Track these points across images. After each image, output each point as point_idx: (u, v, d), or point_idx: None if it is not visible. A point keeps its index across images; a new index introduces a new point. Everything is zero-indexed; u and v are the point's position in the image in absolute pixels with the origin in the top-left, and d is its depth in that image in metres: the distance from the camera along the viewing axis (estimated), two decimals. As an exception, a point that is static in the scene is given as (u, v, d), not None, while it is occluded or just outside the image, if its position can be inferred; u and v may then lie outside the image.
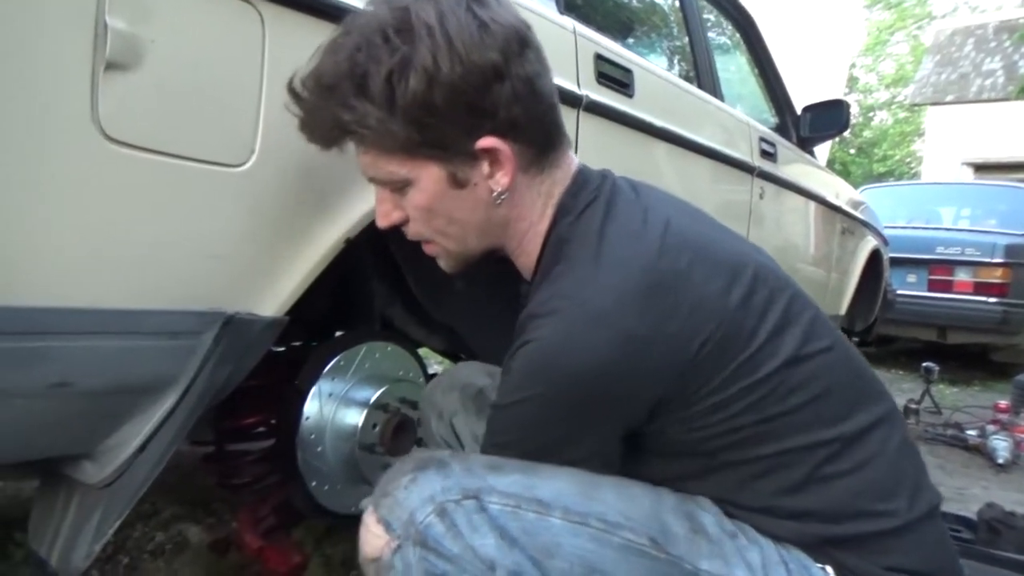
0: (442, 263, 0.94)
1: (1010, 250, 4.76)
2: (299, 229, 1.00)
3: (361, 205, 1.06)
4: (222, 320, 0.90)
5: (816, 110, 2.72)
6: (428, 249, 0.92)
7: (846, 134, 19.24)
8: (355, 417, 1.27)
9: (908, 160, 18.18)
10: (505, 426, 0.81)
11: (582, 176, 0.89)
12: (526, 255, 0.90)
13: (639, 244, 0.80)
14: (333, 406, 1.26)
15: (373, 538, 0.74)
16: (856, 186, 4.95)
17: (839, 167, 18.95)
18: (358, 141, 0.83)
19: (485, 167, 0.83)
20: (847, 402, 0.83)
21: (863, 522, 0.79)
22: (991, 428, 3.21)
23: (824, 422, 0.81)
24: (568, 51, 1.46)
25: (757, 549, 0.78)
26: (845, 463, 0.80)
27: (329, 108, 0.80)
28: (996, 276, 4.67)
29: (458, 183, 0.83)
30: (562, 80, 1.43)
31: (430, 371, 1.54)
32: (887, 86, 20.75)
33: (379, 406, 1.29)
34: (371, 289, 1.44)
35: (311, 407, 1.24)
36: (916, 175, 11.91)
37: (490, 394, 1.13)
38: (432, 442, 1.21)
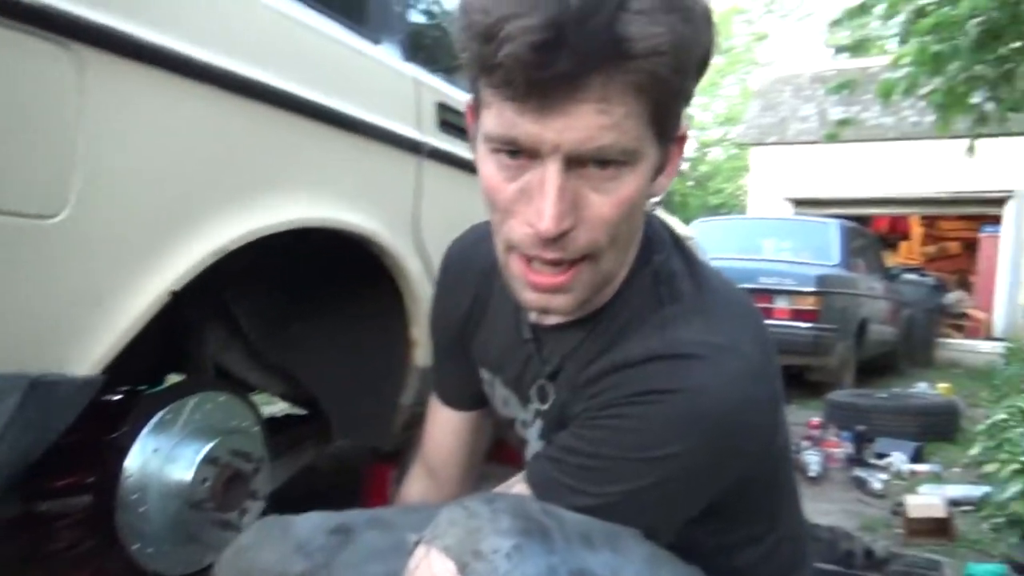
0: (569, 300, 0.70)
1: (820, 280, 5.27)
2: (118, 283, 0.96)
3: (186, 257, 1.03)
4: (26, 383, 0.85)
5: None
6: (564, 279, 0.68)
7: (684, 168, 20.58)
8: (183, 472, 1.21)
9: (739, 194, 19.68)
10: (624, 478, 0.69)
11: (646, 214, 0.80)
12: (607, 288, 0.76)
13: (745, 296, 0.78)
14: (159, 462, 1.20)
15: None
16: (694, 216, 5.30)
17: (679, 198, 20.24)
18: (629, 80, 0.59)
19: (663, 162, 0.70)
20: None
21: None
22: (805, 444, 3.50)
23: (794, 486, 0.88)
24: (410, 99, 1.49)
25: None
26: (791, 531, 0.88)
27: (641, 19, 0.58)
28: (809, 304, 5.15)
29: (656, 174, 0.69)
30: (405, 128, 1.45)
31: (266, 416, 1.50)
32: (720, 124, 22.44)
33: (210, 460, 1.24)
34: (204, 337, 1.39)
35: (134, 463, 1.17)
36: (745, 208, 12.91)
37: None
38: None
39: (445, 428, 1.02)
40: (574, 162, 0.63)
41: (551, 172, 0.62)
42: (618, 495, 0.70)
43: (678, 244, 0.80)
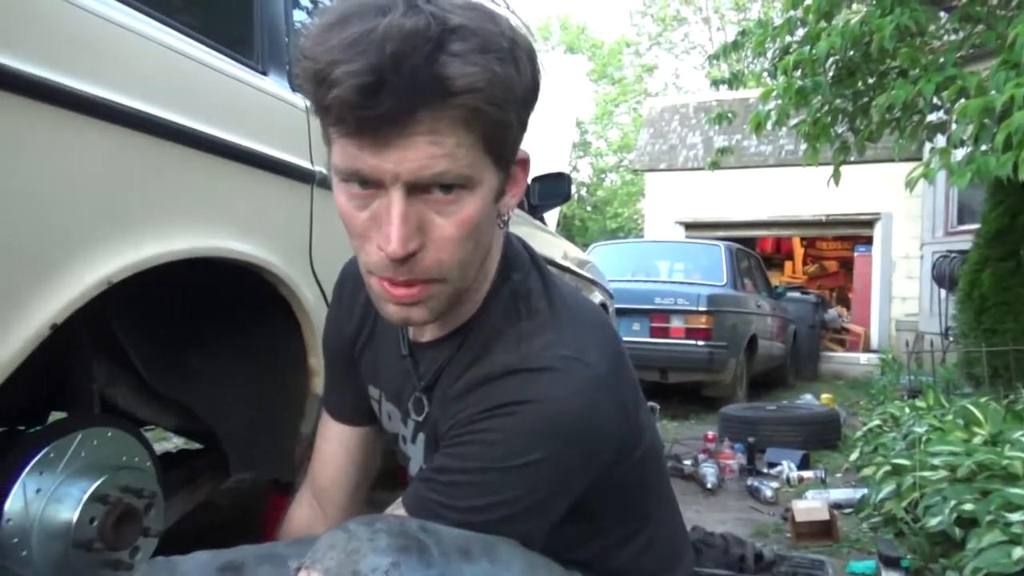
0: (425, 312, 0.76)
1: (711, 299, 5.52)
2: (-4, 316, 0.93)
3: (71, 288, 1.00)
4: None
5: (543, 180, 2.99)
6: (420, 294, 0.74)
7: (583, 193, 21.13)
8: (69, 512, 1.16)
9: (636, 217, 20.34)
10: (492, 490, 0.74)
11: (506, 234, 0.86)
12: (467, 304, 0.82)
13: (597, 310, 0.84)
14: (41, 503, 1.15)
15: None
16: (592, 240, 5.45)
17: (578, 223, 20.74)
18: (456, 114, 0.65)
19: (507, 185, 0.77)
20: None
21: None
22: (702, 457, 3.64)
23: (664, 486, 0.93)
24: (300, 129, 1.50)
25: None
26: (664, 531, 0.92)
27: (456, 62, 0.64)
28: (702, 322, 5.38)
29: (497, 196, 0.75)
30: (295, 157, 1.46)
31: (159, 452, 1.46)
32: (615, 151, 23.21)
33: (97, 498, 1.19)
34: (89, 370, 1.34)
35: (13, 506, 1.11)
36: (642, 231, 13.35)
37: None
38: None
39: (334, 443, 1.04)
40: (417, 189, 0.68)
41: (395, 199, 0.68)
42: (487, 507, 0.74)
43: (536, 263, 0.87)
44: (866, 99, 3.86)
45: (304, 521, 1.06)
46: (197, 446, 2.02)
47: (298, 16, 1.64)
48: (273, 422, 1.58)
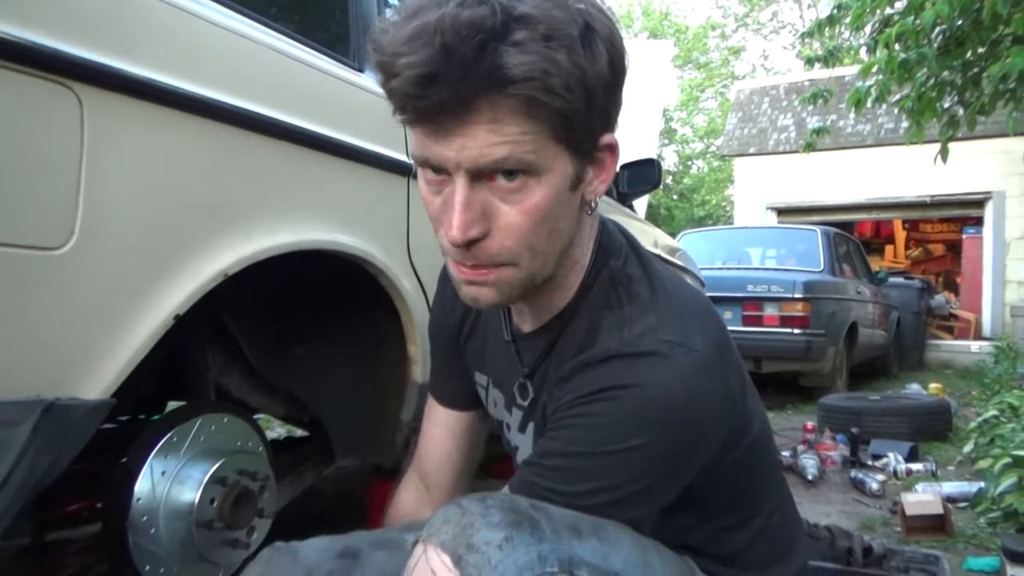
0: (494, 293, 0.76)
1: (808, 286, 5.33)
2: (124, 308, 0.99)
3: (190, 281, 1.06)
4: (41, 408, 0.87)
5: (632, 168, 2.95)
6: (487, 277, 0.75)
7: (669, 181, 20.77)
8: (191, 493, 1.24)
9: (724, 204, 19.86)
10: (596, 475, 0.74)
11: (602, 221, 0.87)
12: (557, 289, 0.82)
13: (701, 296, 0.84)
14: (166, 484, 1.22)
15: None
16: (680, 228, 5.36)
17: (664, 212, 20.39)
18: (516, 103, 0.66)
19: (591, 171, 0.76)
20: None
21: (782, 570, 0.90)
22: (801, 448, 3.53)
23: (776, 473, 0.92)
24: (396, 123, 1.53)
25: None
26: (776, 518, 0.91)
27: (515, 52, 0.64)
28: (798, 309, 5.20)
29: (575, 183, 0.74)
30: (392, 151, 1.50)
31: (271, 436, 1.53)
32: (701, 138, 22.68)
33: (217, 480, 1.26)
34: (205, 360, 1.42)
35: (142, 487, 1.19)
36: (730, 219, 13.02)
37: None
38: None
39: (440, 427, 1.07)
40: (480, 176, 0.70)
41: (458, 186, 0.70)
42: (591, 492, 0.74)
43: (635, 249, 0.86)
44: (976, 70, 3.63)
45: (411, 503, 1.09)
46: (301, 434, 2.11)
47: (390, 15, 1.68)
48: (374, 409, 1.63)
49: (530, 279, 0.76)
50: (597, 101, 0.71)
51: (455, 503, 0.71)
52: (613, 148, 0.77)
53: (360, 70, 1.52)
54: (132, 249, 1.00)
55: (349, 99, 1.46)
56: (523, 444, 0.92)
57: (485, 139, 0.67)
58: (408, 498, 1.10)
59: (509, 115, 0.67)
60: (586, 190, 0.77)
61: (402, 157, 1.52)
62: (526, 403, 0.90)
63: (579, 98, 0.68)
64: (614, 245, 0.85)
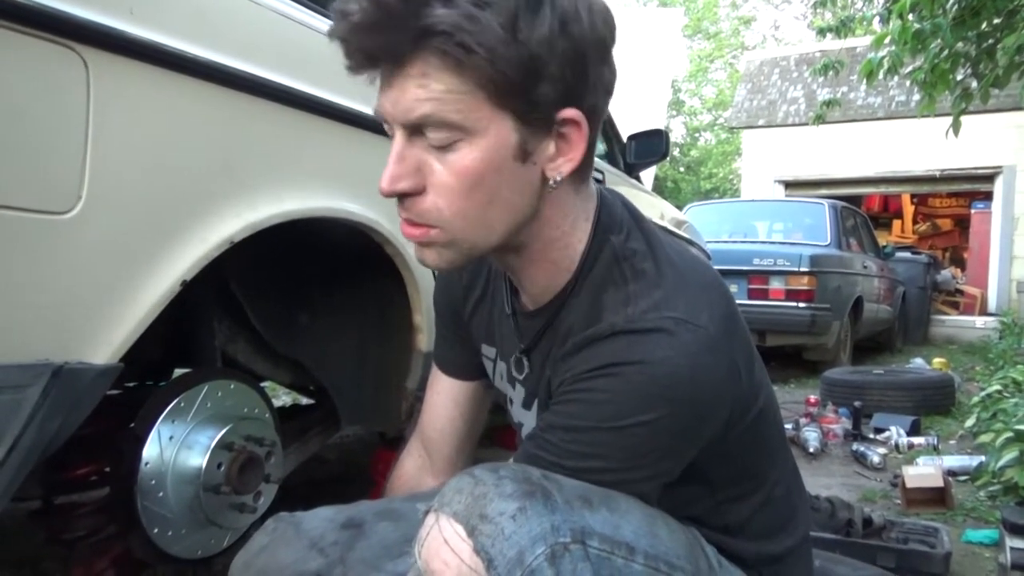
0: (435, 256, 0.77)
1: (814, 260, 5.31)
2: (132, 273, 0.99)
3: (197, 247, 1.06)
4: (50, 372, 0.88)
5: (639, 138, 2.93)
6: (422, 236, 0.75)
7: (675, 153, 20.61)
8: (198, 458, 1.25)
9: (731, 177, 19.72)
10: (600, 450, 0.73)
11: (602, 196, 0.85)
12: (547, 266, 0.81)
13: (707, 268, 0.84)
14: (174, 449, 1.24)
15: (463, 569, 0.65)
16: (686, 201, 5.33)
17: (671, 184, 20.28)
18: (444, 60, 0.67)
19: (552, 147, 0.74)
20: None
21: (784, 540, 0.91)
22: (803, 421, 3.54)
23: (781, 444, 0.92)
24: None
25: (730, 574, 0.85)
26: (780, 490, 0.91)
27: (441, 6, 0.65)
28: (804, 283, 5.19)
29: (522, 154, 0.72)
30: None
31: (276, 404, 1.54)
32: (709, 109, 22.46)
33: (224, 445, 1.28)
34: (211, 327, 1.43)
35: (150, 452, 1.21)
36: (737, 191, 12.93)
37: None
38: None
39: (443, 395, 1.07)
40: (414, 132, 0.71)
41: (395, 139, 0.72)
42: (596, 468, 0.74)
43: (639, 223, 0.84)
44: (991, 41, 3.56)
45: (413, 470, 1.10)
46: (307, 402, 2.12)
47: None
48: (380, 377, 1.63)
49: (470, 247, 0.76)
50: (549, 70, 0.69)
51: (467, 473, 0.71)
52: (578, 124, 0.74)
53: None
54: (139, 214, 0.99)
55: (355, 65, 1.45)
56: (527, 420, 0.93)
57: (412, 94, 0.68)
58: (411, 465, 1.11)
59: (437, 71, 0.67)
60: (547, 166, 0.75)
61: (408, 125, 1.51)
62: (522, 377, 0.90)
63: (515, 59, 0.67)
64: (615, 220, 0.83)
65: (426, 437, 1.09)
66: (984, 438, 2.86)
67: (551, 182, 0.75)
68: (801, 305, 5.17)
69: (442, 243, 0.75)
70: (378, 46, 0.67)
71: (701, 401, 0.73)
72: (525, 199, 0.75)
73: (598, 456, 0.74)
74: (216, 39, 1.10)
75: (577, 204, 0.81)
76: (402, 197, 0.73)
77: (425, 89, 0.68)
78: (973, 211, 10.22)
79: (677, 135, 21.93)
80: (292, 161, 1.26)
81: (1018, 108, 4.95)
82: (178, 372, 1.62)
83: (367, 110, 1.40)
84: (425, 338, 1.53)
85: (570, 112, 0.73)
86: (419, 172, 0.72)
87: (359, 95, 1.39)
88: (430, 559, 0.66)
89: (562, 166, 0.75)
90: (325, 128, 1.32)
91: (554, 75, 0.70)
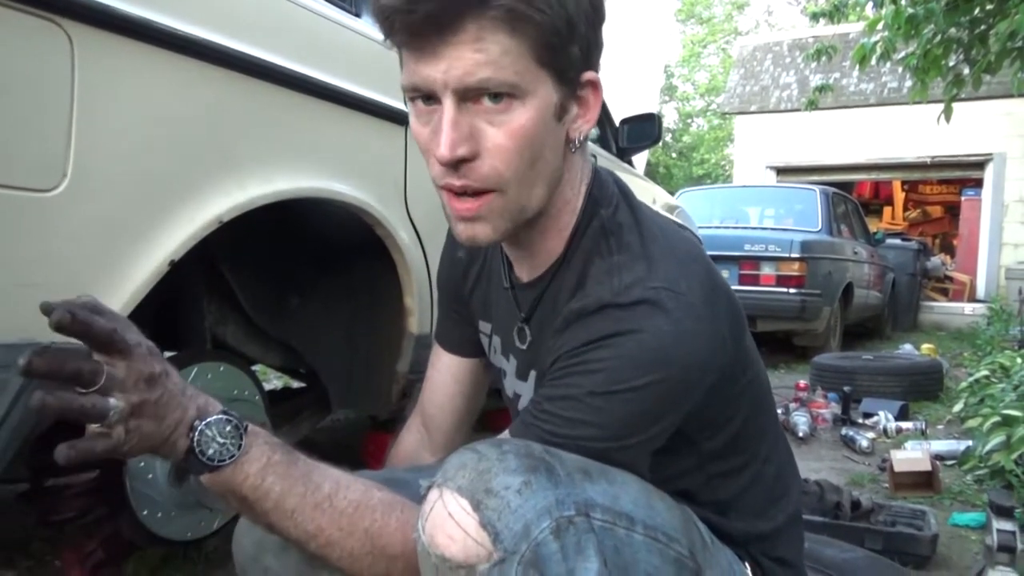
0: (489, 229, 0.77)
1: (805, 246, 5.32)
2: (119, 252, 0.98)
3: (185, 227, 1.05)
4: (34, 351, 0.87)
5: (632, 122, 2.92)
6: (479, 207, 0.75)
7: (668, 139, 20.59)
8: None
9: (723, 163, 19.73)
10: (593, 416, 0.74)
11: (595, 169, 0.87)
12: (553, 234, 0.83)
13: (690, 241, 0.85)
14: (163, 431, 1.23)
15: (469, 543, 0.65)
16: (678, 187, 5.32)
17: (663, 170, 20.27)
18: (497, 23, 0.67)
19: (575, 107, 0.77)
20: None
21: (775, 518, 0.91)
22: (793, 406, 3.56)
23: (772, 422, 0.93)
24: (395, 70, 1.50)
25: (721, 553, 0.85)
26: (770, 468, 0.91)
27: None
28: (794, 269, 5.20)
29: (559, 113, 0.75)
30: (390, 99, 1.47)
31: (267, 387, 1.53)
32: (702, 95, 22.42)
33: (213, 427, 1.27)
34: (201, 309, 1.41)
35: (139, 434, 1.20)
36: (729, 177, 12.95)
37: None
38: None
39: (444, 372, 1.08)
40: (467, 98, 0.70)
41: (446, 107, 0.70)
42: (589, 434, 0.75)
43: (627, 198, 0.86)
44: (984, 27, 3.56)
45: (412, 445, 1.12)
46: (298, 385, 2.12)
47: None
48: (371, 360, 1.63)
49: (520, 210, 0.77)
50: (579, 30, 0.72)
51: (470, 448, 0.71)
52: (596, 86, 0.78)
53: (357, 15, 1.48)
54: (125, 192, 0.98)
55: (346, 44, 1.43)
56: (524, 391, 0.94)
57: (471, 59, 0.68)
58: (410, 439, 1.12)
59: (492, 33, 0.67)
60: (571, 126, 0.78)
61: (400, 106, 1.49)
62: (525, 347, 0.91)
63: (560, 17, 0.69)
64: (605, 194, 0.85)
65: (426, 413, 1.10)
66: (972, 423, 2.89)
67: (575, 143, 0.78)
68: (792, 291, 5.18)
69: (497, 211, 0.75)
70: (433, 10, 0.66)
71: (686, 364, 0.74)
72: (558, 159, 0.78)
73: (591, 424, 0.75)
74: (203, 14, 1.09)
75: (584, 168, 0.84)
76: (458, 164, 0.72)
77: (484, 53, 0.68)
78: (963, 198, 10.25)
79: (670, 120, 21.89)
80: (282, 141, 1.24)
81: (1009, 95, 4.96)
82: (167, 354, 1.61)
83: (360, 90, 1.40)
84: (416, 321, 1.53)
85: (590, 75, 0.76)
86: (472, 137, 0.71)
87: (351, 75, 1.38)
88: (435, 533, 0.66)
89: (582, 127, 0.78)
90: (315, 108, 1.31)
91: (581, 35, 0.72)
